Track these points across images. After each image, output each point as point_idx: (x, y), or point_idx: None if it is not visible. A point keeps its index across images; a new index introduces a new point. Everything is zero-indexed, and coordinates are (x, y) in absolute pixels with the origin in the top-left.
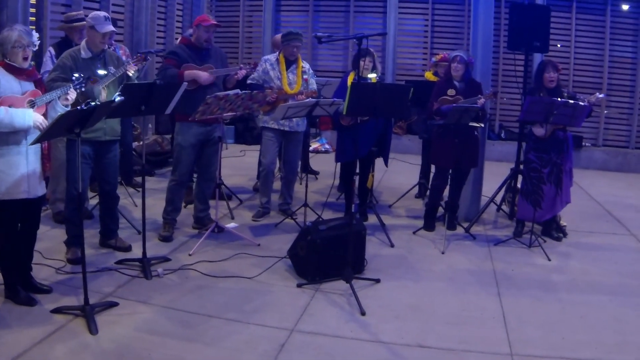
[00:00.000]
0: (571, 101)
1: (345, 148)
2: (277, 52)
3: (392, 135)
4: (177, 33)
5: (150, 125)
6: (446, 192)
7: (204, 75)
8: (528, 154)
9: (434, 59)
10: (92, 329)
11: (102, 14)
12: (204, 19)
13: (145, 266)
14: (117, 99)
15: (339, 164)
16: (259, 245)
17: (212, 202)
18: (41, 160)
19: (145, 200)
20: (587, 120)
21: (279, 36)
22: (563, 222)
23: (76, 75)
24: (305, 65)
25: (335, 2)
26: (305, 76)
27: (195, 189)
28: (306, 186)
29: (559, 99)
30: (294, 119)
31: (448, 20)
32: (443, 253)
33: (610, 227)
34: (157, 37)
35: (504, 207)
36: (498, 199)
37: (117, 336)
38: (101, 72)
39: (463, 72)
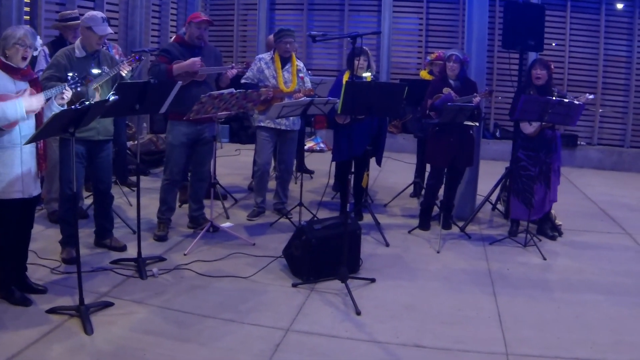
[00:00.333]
0: (566, 100)
1: (341, 147)
2: (272, 51)
3: (387, 134)
4: (171, 32)
5: (145, 125)
6: (441, 191)
7: (190, 60)
8: (517, 152)
9: (429, 58)
10: (88, 329)
11: (100, 15)
12: (196, 15)
13: (140, 266)
14: (112, 98)
15: (333, 163)
16: (254, 244)
17: (207, 202)
18: (37, 160)
19: (140, 200)
20: (582, 119)
21: (271, 37)
22: (558, 221)
23: (71, 74)
24: (299, 64)
25: (330, 0)
26: (300, 74)
27: (189, 189)
28: (301, 185)
29: (554, 98)
30: (290, 118)
31: (443, 19)
32: (438, 252)
33: (606, 226)
34: (152, 36)
35: (499, 206)
36: (493, 198)
37: (112, 336)
38: (95, 71)
39: (459, 71)
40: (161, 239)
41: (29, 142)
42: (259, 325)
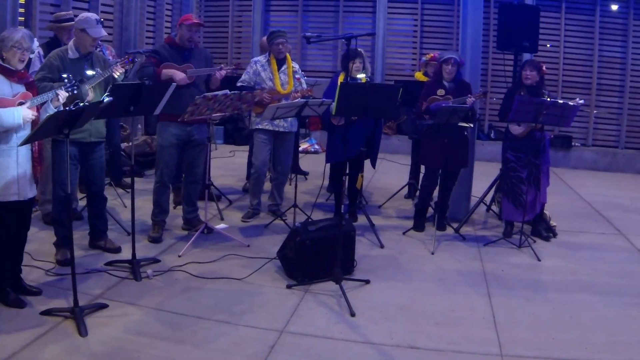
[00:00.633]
0: (560, 101)
1: (336, 148)
2: (267, 54)
3: (382, 135)
4: (166, 33)
5: (139, 126)
6: (436, 193)
7: (179, 75)
8: (506, 153)
9: (424, 59)
10: (82, 330)
11: (94, 16)
12: (187, 17)
13: (134, 267)
14: (106, 99)
15: (328, 164)
16: (248, 246)
17: (201, 203)
18: (32, 162)
19: (135, 201)
20: (576, 120)
21: (265, 39)
22: (553, 222)
23: (65, 75)
24: (295, 65)
25: (325, 2)
26: (297, 75)
27: (182, 191)
28: (295, 187)
29: (549, 99)
30: (288, 119)
31: (437, 20)
32: (433, 253)
33: (600, 226)
34: (146, 37)
35: (493, 207)
36: (488, 199)
37: (106, 338)
38: (90, 72)
39: (455, 74)
40: (155, 240)
41: (24, 143)
42: (253, 326)
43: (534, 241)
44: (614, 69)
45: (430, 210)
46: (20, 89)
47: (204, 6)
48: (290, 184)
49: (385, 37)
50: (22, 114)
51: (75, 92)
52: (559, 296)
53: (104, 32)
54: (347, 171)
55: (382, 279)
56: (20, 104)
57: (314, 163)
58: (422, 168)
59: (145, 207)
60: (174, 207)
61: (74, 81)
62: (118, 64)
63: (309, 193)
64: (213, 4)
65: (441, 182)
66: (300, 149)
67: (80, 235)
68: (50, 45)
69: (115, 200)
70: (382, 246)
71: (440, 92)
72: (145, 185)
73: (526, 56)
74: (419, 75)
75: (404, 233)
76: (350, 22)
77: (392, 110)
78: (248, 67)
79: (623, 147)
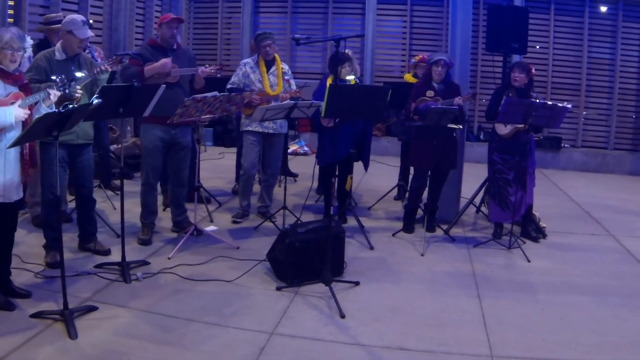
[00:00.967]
0: (549, 102)
1: (326, 151)
2: (256, 55)
3: (372, 137)
4: (155, 35)
5: (128, 128)
6: (425, 194)
7: (162, 61)
8: (492, 155)
9: (413, 60)
10: (72, 333)
11: (80, 18)
12: (165, 16)
13: (124, 270)
14: (95, 101)
15: (317, 166)
16: (238, 248)
17: (190, 205)
18: (22, 165)
19: (124, 204)
20: (565, 122)
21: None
22: (542, 224)
23: (54, 77)
24: (284, 66)
25: (314, 3)
26: (286, 77)
27: (170, 194)
28: (285, 189)
29: (537, 100)
30: (277, 121)
31: (427, 22)
32: (422, 255)
33: (589, 227)
34: (136, 38)
35: (483, 208)
36: (477, 200)
37: (96, 340)
38: (78, 74)
39: (444, 75)
40: (145, 242)
41: (13, 145)
42: (243, 328)
43: (524, 242)
44: (603, 70)
45: (420, 212)
46: (14, 90)
47: (193, 8)
48: (279, 186)
49: (374, 38)
50: (14, 112)
51: (67, 90)
52: (548, 297)
53: (90, 33)
54: (337, 173)
55: (372, 280)
56: (12, 104)
57: (304, 165)
58: (412, 169)
59: (134, 209)
60: (164, 209)
61: (66, 80)
62: (105, 64)
63: (299, 195)
64: (202, 5)
65: (430, 184)
66: (289, 150)
67: (70, 237)
68: (40, 46)
69: (104, 202)
70: (371, 248)
71: (430, 93)
72: (134, 187)
73: (515, 58)
74: (409, 77)
75: (393, 234)
76: (340, 23)
77: (381, 112)
78: (237, 69)
79: (612, 148)
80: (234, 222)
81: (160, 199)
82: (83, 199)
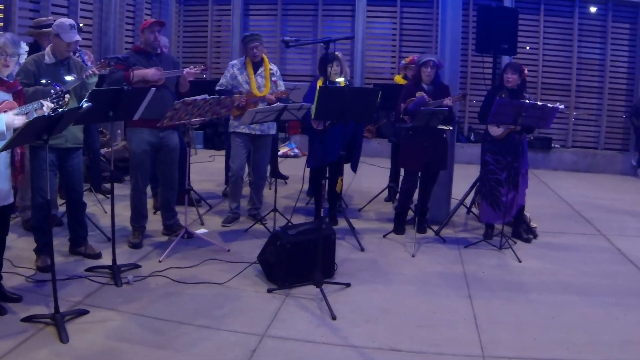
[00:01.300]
0: (539, 103)
1: (317, 153)
2: (244, 57)
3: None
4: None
5: (118, 131)
6: (416, 195)
7: (150, 71)
8: (484, 155)
9: (403, 62)
10: (63, 337)
11: (68, 22)
12: (146, 22)
13: (115, 273)
14: (85, 105)
15: (308, 168)
16: (228, 250)
17: (181, 208)
18: (12, 171)
19: (115, 207)
20: (556, 122)
21: None
22: (533, 224)
23: (44, 81)
24: (273, 67)
25: (304, 6)
26: (273, 78)
27: (160, 198)
28: (275, 191)
29: (528, 101)
30: (265, 122)
31: (416, 23)
32: (413, 256)
33: (580, 227)
34: (126, 42)
35: (473, 209)
36: (468, 201)
37: (88, 344)
38: (68, 78)
39: (434, 77)
40: (136, 246)
41: (2, 149)
42: (234, 331)
43: (515, 243)
44: (593, 70)
45: (411, 213)
46: (7, 97)
47: (183, 11)
48: (270, 188)
49: (364, 40)
50: (6, 120)
51: (60, 103)
52: (540, 297)
53: (77, 37)
54: (327, 175)
55: (363, 282)
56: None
57: (294, 167)
58: (402, 171)
59: (125, 212)
60: (154, 213)
61: (60, 92)
62: (94, 67)
63: (289, 197)
64: (192, 8)
65: (421, 185)
66: (279, 153)
67: (61, 241)
68: (30, 50)
69: (95, 205)
70: (362, 249)
71: (419, 94)
72: (125, 190)
73: (505, 59)
74: (398, 79)
75: (384, 236)
76: (330, 25)
77: (371, 114)
78: (225, 71)
79: (602, 148)
80: (224, 226)
81: (150, 202)
82: (73, 202)
